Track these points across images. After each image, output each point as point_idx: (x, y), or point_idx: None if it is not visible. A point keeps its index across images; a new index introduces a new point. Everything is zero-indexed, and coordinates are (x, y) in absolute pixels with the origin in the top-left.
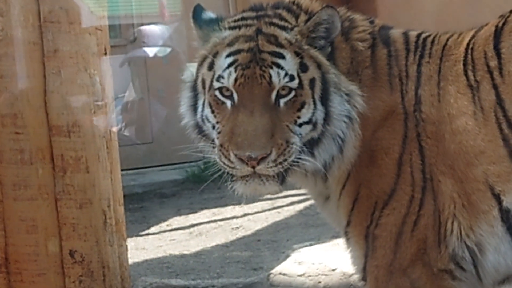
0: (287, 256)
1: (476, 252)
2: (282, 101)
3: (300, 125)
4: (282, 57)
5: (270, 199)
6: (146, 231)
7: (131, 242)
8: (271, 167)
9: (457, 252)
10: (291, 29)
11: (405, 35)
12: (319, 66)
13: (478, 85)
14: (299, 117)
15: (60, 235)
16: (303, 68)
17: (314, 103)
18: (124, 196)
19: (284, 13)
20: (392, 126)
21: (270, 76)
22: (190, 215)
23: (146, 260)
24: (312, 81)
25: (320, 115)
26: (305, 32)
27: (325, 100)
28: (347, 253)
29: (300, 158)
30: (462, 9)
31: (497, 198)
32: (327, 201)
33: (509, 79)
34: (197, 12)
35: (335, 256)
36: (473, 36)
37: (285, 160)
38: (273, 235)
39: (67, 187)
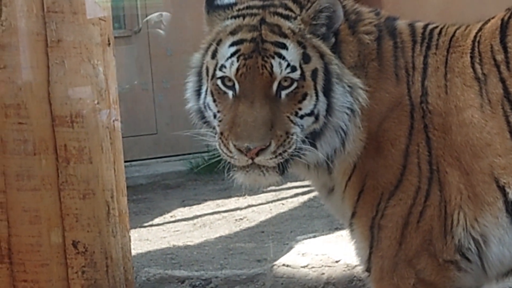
0: (291, 247)
1: (481, 243)
2: (283, 93)
3: (302, 117)
4: (285, 47)
5: (274, 190)
6: (150, 222)
7: (135, 233)
8: (270, 158)
9: (463, 243)
10: (295, 18)
11: (411, 26)
12: (322, 56)
13: (486, 78)
14: (300, 109)
15: (63, 226)
16: (305, 58)
17: (317, 95)
18: (128, 187)
19: (290, 3)
20: (398, 118)
21: (272, 66)
22: (194, 207)
23: (150, 251)
24: (314, 72)
25: (322, 106)
26: (306, 20)
27: (327, 91)
28: (351, 244)
29: (301, 149)
30: (467, 1)
31: (502, 190)
32: (331, 192)
33: None
34: None
35: (339, 248)
36: (480, 29)
37: (285, 151)
38: (277, 226)
39: (70, 177)
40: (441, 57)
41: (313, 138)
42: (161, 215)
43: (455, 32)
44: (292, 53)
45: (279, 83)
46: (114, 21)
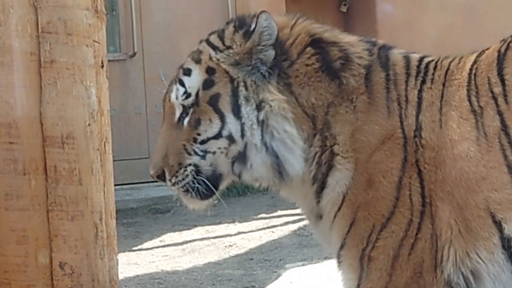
0: (279, 275)
1: (471, 280)
2: (186, 121)
3: (203, 142)
4: (189, 74)
5: (265, 218)
6: (139, 246)
7: (123, 257)
8: (172, 185)
9: (452, 278)
10: (224, 44)
11: (406, 58)
12: (231, 80)
13: (482, 111)
14: (199, 134)
15: (51, 247)
16: (206, 85)
17: (221, 118)
18: (119, 211)
19: (229, 29)
20: (390, 150)
21: (171, 93)
22: (184, 232)
23: (138, 276)
24: (214, 97)
25: (234, 128)
26: (248, 46)
27: (237, 112)
28: (338, 275)
29: (211, 176)
30: (463, 33)
31: (499, 225)
32: (320, 220)
33: None
34: None
35: (327, 277)
36: (475, 61)
37: (178, 182)
38: (266, 254)
39: (59, 198)
40: (436, 91)
41: (242, 159)
42: (150, 239)
43: (449, 65)
44: (193, 80)
45: (182, 110)
46: (109, 44)
